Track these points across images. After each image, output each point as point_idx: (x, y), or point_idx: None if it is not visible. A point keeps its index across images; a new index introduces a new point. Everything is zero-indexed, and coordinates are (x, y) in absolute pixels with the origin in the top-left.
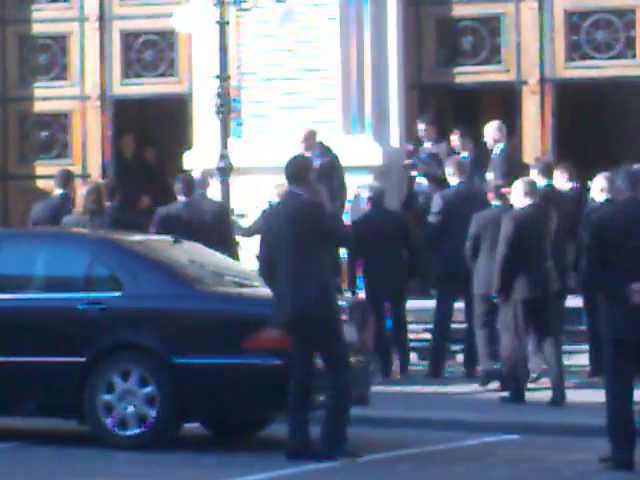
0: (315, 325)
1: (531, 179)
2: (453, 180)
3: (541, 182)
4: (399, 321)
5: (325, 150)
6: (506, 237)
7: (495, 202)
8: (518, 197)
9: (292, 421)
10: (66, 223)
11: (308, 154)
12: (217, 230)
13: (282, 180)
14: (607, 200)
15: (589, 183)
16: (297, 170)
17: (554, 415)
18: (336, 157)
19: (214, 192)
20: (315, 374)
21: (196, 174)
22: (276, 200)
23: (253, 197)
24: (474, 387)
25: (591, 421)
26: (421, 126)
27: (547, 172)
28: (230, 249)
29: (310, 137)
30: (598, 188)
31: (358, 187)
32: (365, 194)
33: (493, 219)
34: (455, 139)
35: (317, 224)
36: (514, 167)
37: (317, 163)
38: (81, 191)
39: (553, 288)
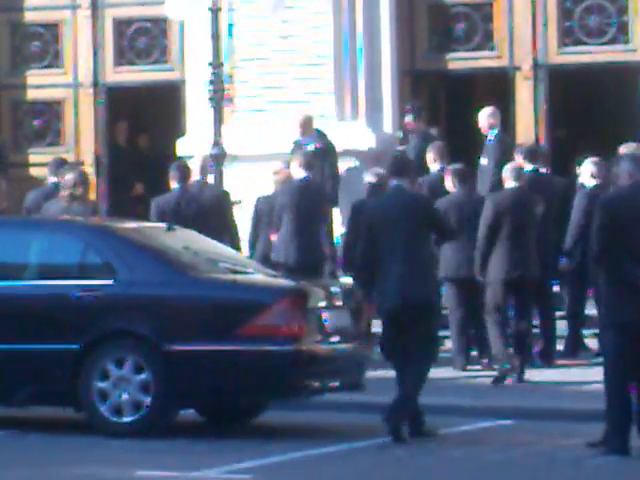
0: (427, 312)
1: (518, 164)
2: (434, 166)
3: (527, 167)
4: None
5: (321, 136)
6: (484, 219)
7: (453, 189)
8: (504, 181)
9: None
10: (46, 208)
11: (304, 139)
12: (218, 217)
13: (278, 167)
14: (596, 186)
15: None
16: (402, 165)
17: (548, 400)
18: (332, 144)
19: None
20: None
21: (196, 161)
22: (272, 187)
23: (247, 184)
24: (470, 372)
25: (585, 406)
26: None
27: (532, 157)
28: (231, 236)
29: (307, 122)
30: (588, 174)
31: (363, 173)
32: (369, 179)
33: (453, 204)
34: (409, 121)
35: (430, 218)
36: (507, 153)
37: (312, 146)
38: (66, 177)
39: (533, 272)
